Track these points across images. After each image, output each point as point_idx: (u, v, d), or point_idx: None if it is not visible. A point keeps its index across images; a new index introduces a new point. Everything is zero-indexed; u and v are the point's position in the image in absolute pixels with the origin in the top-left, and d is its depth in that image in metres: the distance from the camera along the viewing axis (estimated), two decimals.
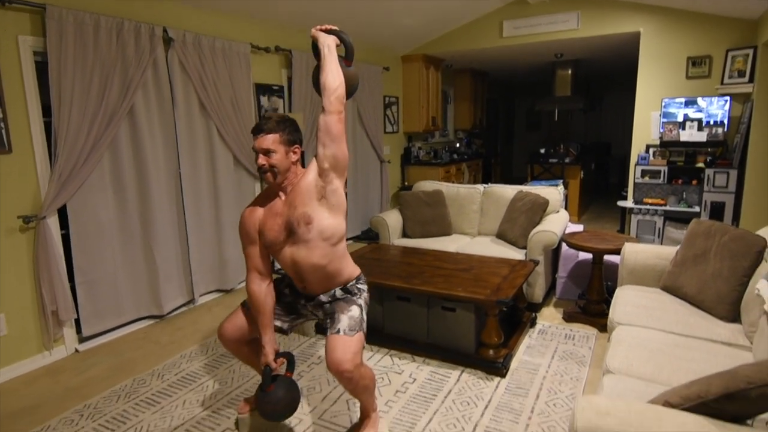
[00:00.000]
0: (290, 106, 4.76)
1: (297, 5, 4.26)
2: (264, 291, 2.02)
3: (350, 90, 1.95)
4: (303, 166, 1.98)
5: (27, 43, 2.85)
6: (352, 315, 1.96)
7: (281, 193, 1.96)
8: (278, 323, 2.13)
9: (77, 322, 3.17)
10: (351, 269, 2.07)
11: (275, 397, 1.94)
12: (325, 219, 1.90)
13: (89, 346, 3.20)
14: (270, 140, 1.86)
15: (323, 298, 2.04)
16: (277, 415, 1.99)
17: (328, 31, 1.95)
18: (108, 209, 3.28)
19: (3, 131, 2.76)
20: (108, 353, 3.12)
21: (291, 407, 2.00)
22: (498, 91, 10.68)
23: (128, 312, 3.44)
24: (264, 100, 4.46)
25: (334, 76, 1.85)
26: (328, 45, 1.89)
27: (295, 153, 1.93)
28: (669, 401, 1.32)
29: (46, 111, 2.93)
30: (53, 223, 2.99)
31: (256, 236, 2.00)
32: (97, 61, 3.06)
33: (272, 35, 4.52)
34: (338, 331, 1.90)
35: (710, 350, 2.09)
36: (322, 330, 3.24)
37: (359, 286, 2.08)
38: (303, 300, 2.11)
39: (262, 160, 1.87)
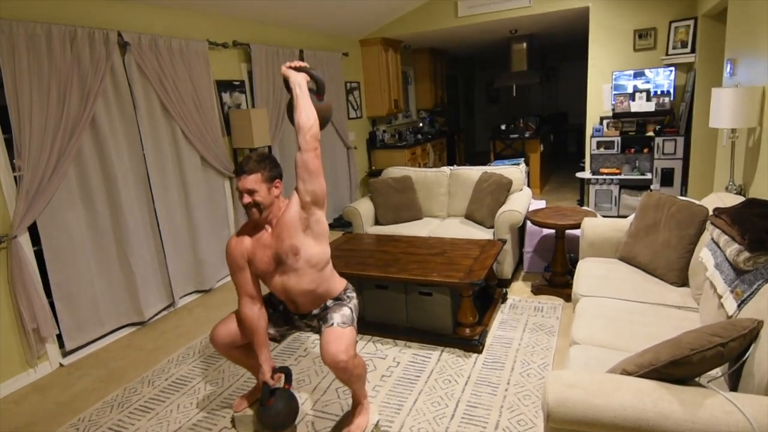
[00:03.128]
0: (253, 101, 4.75)
1: None
2: (257, 314, 2.14)
3: (323, 122, 2.07)
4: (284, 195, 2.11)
5: None
6: (344, 313, 2.11)
7: (267, 226, 2.07)
8: (272, 331, 2.26)
9: (59, 336, 3.18)
10: (338, 284, 2.21)
11: (275, 410, 2.06)
12: (311, 248, 2.03)
13: (74, 359, 3.22)
14: (252, 180, 1.97)
15: (315, 311, 2.18)
16: (279, 427, 2.09)
17: (299, 69, 2.03)
18: (79, 222, 3.25)
19: None
20: (94, 365, 3.15)
21: (291, 418, 2.12)
22: (457, 67, 10.79)
23: (109, 321, 3.46)
24: (226, 96, 4.44)
25: (307, 114, 1.95)
26: (299, 84, 1.99)
27: (276, 188, 2.04)
28: (626, 369, 1.50)
29: (5, 127, 2.87)
30: (25, 241, 2.96)
31: (244, 263, 2.10)
32: (53, 71, 3.00)
33: (229, 30, 4.46)
34: (332, 324, 2.04)
35: (663, 314, 2.31)
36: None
37: (348, 294, 2.22)
38: (296, 316, 2.24)
39: (246, 198, 1.98)
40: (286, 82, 2.05)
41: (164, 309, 3.86)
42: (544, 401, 1.45)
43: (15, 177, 2.92)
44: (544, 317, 3.27)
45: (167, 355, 3.19)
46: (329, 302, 2.17)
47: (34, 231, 3.03)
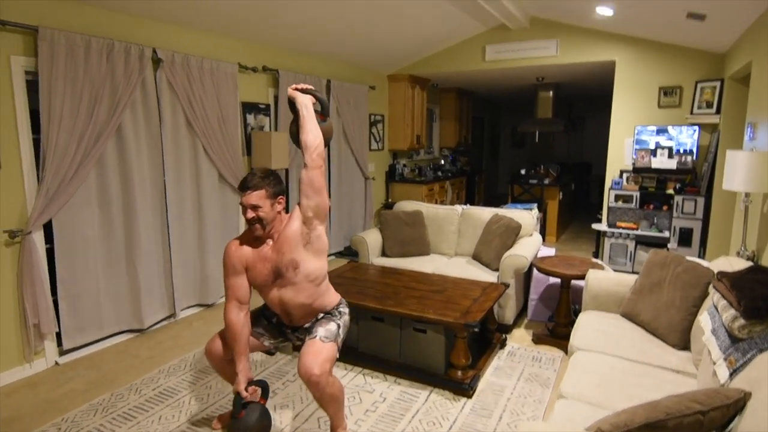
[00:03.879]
0: (276, 124, 4.89)
1: (284, 28, 4.40)
2: (242, 321, 2.15)
3: (326, 142, 2.14)
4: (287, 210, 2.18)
5: (19, 63, 2.94)
6: (329, 328, 2.13)
7: (269, 240, 2.12)
8: (266, 343, 2.30)
9: (58, 335, 3.24)
10: (332, 299, 2.25)
11: (245, 424, 2.03)
12: (310, 263, 2.09)
13: (69, 359, 3.26)
14: (256, 197, 2.02)
15: (307, 325, 2.22)
16: None
17: (304, 91, 2.12)
18: (93, 225, 3.36)
19: None
20: (88, 367, 3.18)
21: None
22: (484, 109, 10.91)
23: (109, 326, 3.51)
24: (250, 118, 4.58)
25: (314, 134, 2.03)
26: (305, 105, 2.07)
27: (279, 203, 2.10)
28: (601, 428, 1.45)
29: (36, 128, 3.02)
30: (38, 237, 3.07)
31: (241, 269, 2.14)
32: (86, 80, 3.16)
33: (260, 55, 4.65)
34: (314, 337, 2.08)
35: (659, 377, 2.23)
36: (298, 347, 3.34)
37: (340, 309, 2.26)
38: (289, 329, 2.27)
39: (250, 214, 2.04)
40: (292, 103, 2.12)
41: (164, 319, 3.90)
42: None
43: (38, 175, 3.05)
44: (542, 368, 3.19)
45: (160, 365, 3.21)
46: (320, 315, 2.21)
47: (48, 230, 3.14)
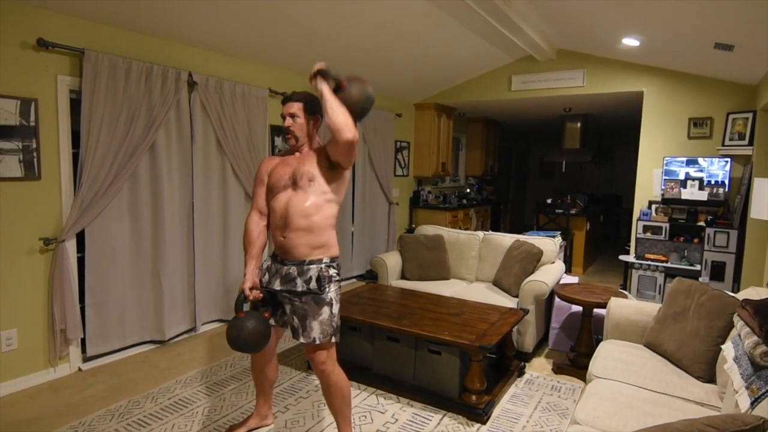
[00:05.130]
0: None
1: (314, 57, 4.57)
2: (259, 228, 2.31)
3: (360, 109, 2.11)
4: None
5: (65, 82, 3.15)
6: (323, 320, 2.13)
7: (297, 153, 2.27)
8: (272, 322, 2.32)
9: (83, 341, 3.34)
10: (331, 244, 2.21)
11: (242, 324, 2.05)
12: (325, 183, 2.17)
13: (92, 365, 3.35)
14: (296, 107, 2.21)
15: (298, 282, 2.14)
16: (239, 343, 2.06)
17: (316, 74, 2.08)
18: (123, 236, 3.49)
19: (35, 160, 3.02)
20: (109, 374, 3.26)
21: (254, 341, 2.08)
22: (512, 139, 10.92)
23: (132, 335, 3.60)
24: (278, 140, 4.73)
25: (336, 114, 2.00)
26: (320, 90, 2.07)
27: (315, 122, 2.26)
28: None
29: (76, 142, 3.21)
30: (71, 246, 3.21)
31: (265, 179, 2.30)
32: (126, 100, 3.35)
33: (290, 81, 4.83)
34: (313, 340, 2.12)
35: (680, 408, 2.13)
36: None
37: (332, 272, 2.18)
38: (278, 281, 2.20)
39: (288, 122, 2.21)
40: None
41: (185, 332, 3.98)
42: None
43: (74, 187, 3.21)
44: (560, 398, 3.09)
45: (177, 375, 3.26)
46: (312, 284, 2.13)
47: (80, 239, 3.29)
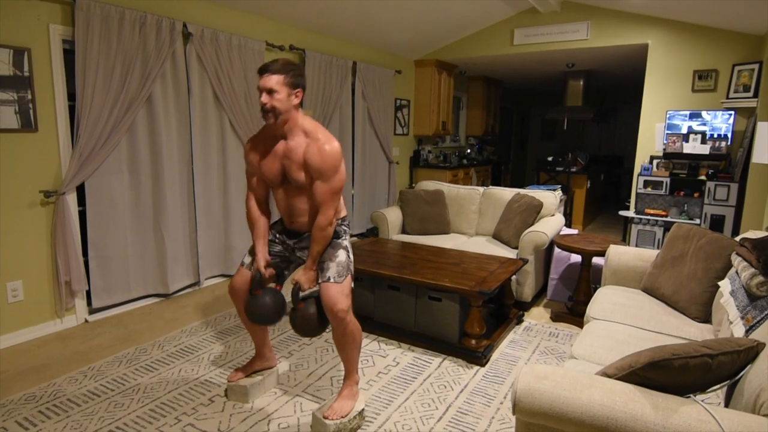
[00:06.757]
0: (302, 103, 4.94)
1: (312, 9, 4.45)
2: (261, 208, 2.26)
3: (304, 331, 2.18)
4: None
5: (57, 31, 3.08)
6: (339, 261, 2.12)
7: (282, 139, 2.07)
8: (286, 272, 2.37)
9: (88, 294, 3.39)
10: (339, 209, 2.18)
11: (262, 301, 2.12)
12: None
13: (98, 317, 3.41)
14: (274, 80, 1.92)
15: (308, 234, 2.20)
16: (262, 318, 2.14)
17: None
18: (123, 190, 3.49)
19: (31, 111, 2.99)
20: (115, 325, 3.32)
21: (276, 314, 2.16)
22: (513, 100, 10.77)
23: (136, 288, 3.64)
24: None
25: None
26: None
27: (297, 96, 1.99)
28: (606, 372, 1.44)
29: (71, 96, 3.16)
30: (72, 199, 3.21)
31: (255, 169, 2.18)
32: (120, 51, 3.29)
33: (287, 35, 4.72)
34: (328, 279, 2.10)
35: None
36: None
37: (344, 227, 2.21)
38: (291, 242, 2.25)
39: (265, 98, 1.94)
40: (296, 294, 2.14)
41: (189, 286, 4.03)
42: (513, 390, 1.41)
43: (72, 140, 3.19)
44: (558, 343, 3.15)
45: (182, 325, 3.32)
46: None
47: (81, 193, 3.29)
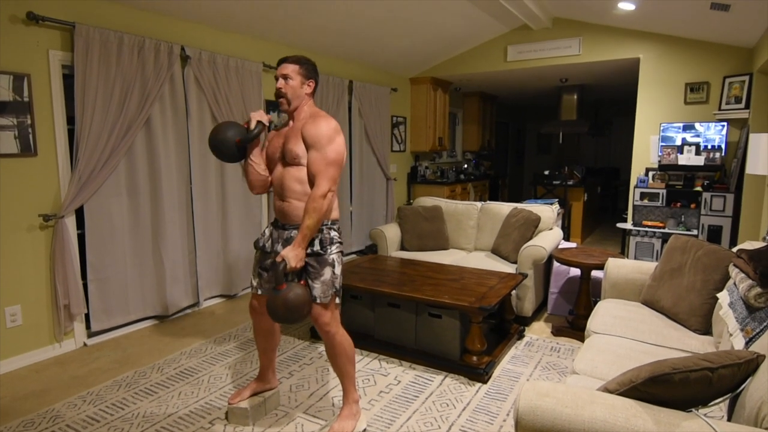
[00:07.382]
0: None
1: (307, 30, 4.53)
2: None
3: (283, 318, 2.04)
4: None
5: (56, 57, 3.12)
6: (324, 280, 2.12)
7: (291, 122, 2.22)
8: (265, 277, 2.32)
9: (87, 317, 3.37)
10: (330, 208, 2.16)
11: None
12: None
13: (97, 340, 3.39)
14: (290, 68, 2.14)
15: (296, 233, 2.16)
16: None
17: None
18: (122, 212, 3.50)
19: (30, 136, 3.01)
20: (114, 348, 3.30)
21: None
22: (508, 115, 10.87)
23: (135, 311, 3.63)
24: (273, 115, 4.70)
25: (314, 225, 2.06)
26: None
27: (309, 86, 2.19)
28: (607, 388, 1.44)
29: (71, 120, 3.19)
30: (71, 222, 3.22)
31: (264, 151, 2.31)
32: (119, 74, 3.33)
33: (283, 55, 4.76)
34: (314, 299, 2.12)
35: None
36: (316, 335, 3.39)
37: (333, 234, 2.17)
38: (280, 245, 2.20)
39: (280, 83, 2.14)
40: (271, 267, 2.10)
41: (188, 307, 4.01)
42: (515, 408, 1.41)
43: (71, 163, 3.21)
44: (560, 358, 3.14)
45: (182, 347, 3.30)
46: (315, 244, 2.12)
47: (80, 216, 3.29)
